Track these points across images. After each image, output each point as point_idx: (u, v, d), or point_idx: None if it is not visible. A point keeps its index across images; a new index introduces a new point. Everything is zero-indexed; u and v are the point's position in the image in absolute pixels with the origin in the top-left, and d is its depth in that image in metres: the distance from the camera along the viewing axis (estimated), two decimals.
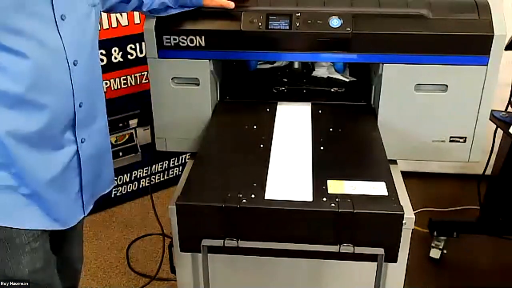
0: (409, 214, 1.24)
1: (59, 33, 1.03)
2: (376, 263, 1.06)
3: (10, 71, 0.99)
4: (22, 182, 1.08)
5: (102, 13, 1.25)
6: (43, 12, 1.00)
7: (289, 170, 1.17)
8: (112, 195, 2.56)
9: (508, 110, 1.93)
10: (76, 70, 1.07)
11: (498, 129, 1.95)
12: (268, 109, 1.45)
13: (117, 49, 2.32)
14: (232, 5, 1.35)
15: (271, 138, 1.30)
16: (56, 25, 1.02)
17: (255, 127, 1.37)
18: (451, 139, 1.41)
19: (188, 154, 2.49)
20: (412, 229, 1.27)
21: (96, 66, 1.19)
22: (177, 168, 2.76)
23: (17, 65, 0.99)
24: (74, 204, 1.20)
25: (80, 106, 1.11)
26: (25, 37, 0.98)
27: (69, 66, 1.06)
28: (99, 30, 1.19)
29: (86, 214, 1.25)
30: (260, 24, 1.33)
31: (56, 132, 1.09)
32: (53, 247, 1.24)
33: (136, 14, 2.30)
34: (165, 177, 2.74)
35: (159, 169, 2.69)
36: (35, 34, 0.99)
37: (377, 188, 1.09)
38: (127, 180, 2.59)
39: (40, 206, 1.12)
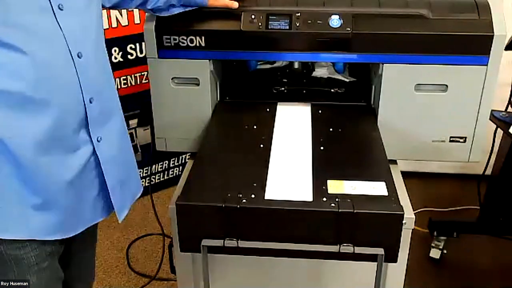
0: (409, 214, 1.24)
1: (58, 23, 0.97)
2: (376, 263, 1.06)
3: (8, 68, 0.93)
4: (33, 191, 1.01)
5: (103, 13, 1.22)
6: (38, 2, 0.95)
7: (289, 170, 1.17)
8: None
9: (508, 110, 1.93)
10: (81, 63, 1.01)
11: (498, 129, 1.95)
12: (268, 109, 1.45)
13: (117, 49, 2.32)
14: (236, 5, 1.35)
15: (271, 138, 1.30)
16: (54, 15, 0.96)
17: (255, 127, 1.37)
18: (451, 139, 1.41)
19: (188, 154, 2.49)
20: (412, 229, 1.27)
21: (104, 59, 1.12)
22: (177, 168, 2.76)
23: (15, 61, 0.93)
24: (91, 208, 1.13)
25: (90, 101, 1.05)
26: (21, 30, 0.92)
27: (73, 58, 1.00)
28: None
29: (121, 220, 1.19)
30: (260, 24, 1.33)
31: (68, 132, 1.03)
32: (64, 262, 1.18)
33: (136, 14, 2.30)
34: (165, 177, 2.74)
35: (159, 169, 2.69)
36: (32, 26, 0.94)
37: (377, 188, 1.09)
38: None
39: (54, 214, 1.04)
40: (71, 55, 1.00)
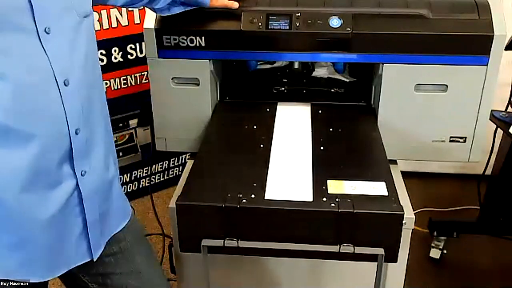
0: (409, 214, 1.25)
1: (43, 48, 0.88)
2: (376, 263, 1.06)
3: None
4: (7, 229, 0.92)
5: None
6: (22, 24, 0.85)
7: (289, 170, 1.17)
8: None
9: (508, 110, 1.93)
10: (67, 91, 0.92)
11: (498, 129, 1.95)
12: (268, 109, 1.45)
13: (117, 49, 2.32)
14: (236, 5, 1.35)
15: (271, 138, 1.30)
16: (40, 39, 0.87)
17: (255, 127, 1.37)
18: (451, 139, 1.41)
19: (188, 154, 2.49)
20: (412, 229, 1.27)
21: (95, 85, 1.03)
22: (177, 168, 2.76)
23: None
24: (74, 248, 1.04)
25: (76, 133, 0.95)
26: (3, 54, 0.83)
27: (58, 86, 0.90)
28: (96, 37, 1.05)
29: (95, 259, 1.08)
30: (260, 24, 1.33)
31: (50, 166, 0.93)
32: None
33: (136, 14, 2.30)
34: (165, 177, 2.74)
35: (159, 169, 2.69)
36: (15, 50, 0.85)
37: (377, 188, 1.09)
38: (127, 180, 2.58)
39: (31, 254, 0.96)
40: (56, 82, 0.90)
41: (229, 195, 1.06)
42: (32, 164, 0.90)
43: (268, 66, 1.74)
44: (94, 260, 1.08)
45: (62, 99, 0.92)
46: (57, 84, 0.91)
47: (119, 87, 2.38)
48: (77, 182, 0.99)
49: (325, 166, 1.18)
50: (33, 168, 0.91)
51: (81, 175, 0.99)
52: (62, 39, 0.92)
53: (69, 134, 0.94)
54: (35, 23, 0.87)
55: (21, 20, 0.85)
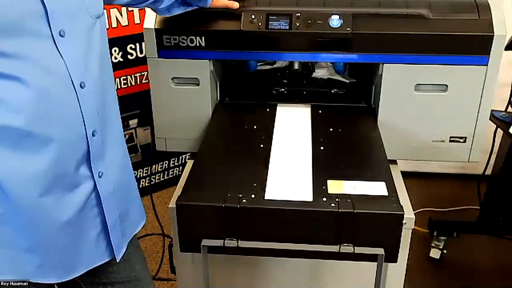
0: (409, 214, 1.25)
1: (59, 52, 0.88)
2: (376, 263, 1.06)
3: (6, 101, 0.85)
4: (26, 233, 0.93)
5: (105, 11, 1.14)
6: (37, 29, 0.86)
7: (289, 170, 1.17)
8: None
9: (508, 110, 1.93)
10: (84, 93, 0.92)
11: (498, 129, 1.95)
12: (268, 110, 1.45)
13: (117, 49, 2.32)
14: (236, 5, 1.35)
15: (271, 138, 1.30)
16: (55, 43, 0.88)
17: (255, 127, 1.37)
18: (451, 139, 1.41)
19: (188, 154, 2.49)
20: (412, 229, 1.28)
21: (109, 86, 1.03)
22: (177, 168, 2.76)
23: (14, 93, 0.84)
24: (93, 249, 1.03)
25: (93, 135, 0.96)
26: (20, 59, 0.84)
27: (75, 89, 0.91)
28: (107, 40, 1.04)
29: (118, 259, 1.08)
30: (260, 24, 1.33)
31: (68, 170, 0.94)
32: None
33: (136, 14, 2.30)
34: (165, 177, 2.74)
35: (159, 169, 2.70)
36: (31, 55, 0.85)
37: (377, 188, 1.09)
38: None
39: (48, 255, 0.96)
40: (73, 85, 0.91)
41: (229, 195, 1.06)
42: (51, 168, 0.91)
43: (268, 67, 1.73)
44: (117, 261, 1.09)
45: (79, 102, 0.92)
46: (74, 87, 0.91)
47: (119, 87, 2.38)
48: (94, 184, 1.00)
49: (325, 166, 1.18)
50: (52, 172, 0.91)
51: (99, 176, 1.00)
52: (76, 41, 0.92)
53: (87, 136, 0.95)
54: (49, 26, 0.87)
55: (36, 24, 0.86)
